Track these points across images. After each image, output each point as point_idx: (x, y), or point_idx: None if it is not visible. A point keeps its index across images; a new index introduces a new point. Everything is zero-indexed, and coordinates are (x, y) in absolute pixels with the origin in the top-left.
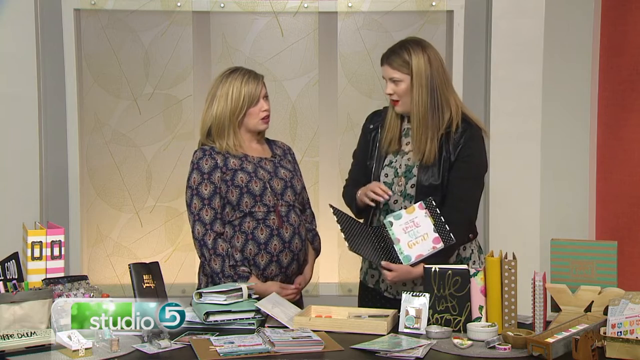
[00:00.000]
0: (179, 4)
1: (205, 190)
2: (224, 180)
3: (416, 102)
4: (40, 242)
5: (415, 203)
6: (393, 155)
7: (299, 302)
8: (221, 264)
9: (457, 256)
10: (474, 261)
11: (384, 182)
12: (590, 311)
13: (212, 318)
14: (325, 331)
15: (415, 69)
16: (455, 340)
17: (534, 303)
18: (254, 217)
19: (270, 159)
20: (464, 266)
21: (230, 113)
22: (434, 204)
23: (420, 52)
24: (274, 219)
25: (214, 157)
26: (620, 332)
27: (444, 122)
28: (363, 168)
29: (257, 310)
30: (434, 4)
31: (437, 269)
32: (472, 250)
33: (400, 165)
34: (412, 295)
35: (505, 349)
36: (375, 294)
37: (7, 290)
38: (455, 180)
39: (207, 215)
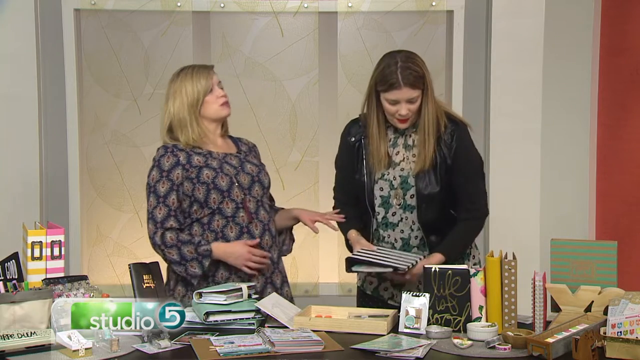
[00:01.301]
0: (179, 4)
1: (162, 187)
2: (189, 178)
3: (427, 114)
4: (40, 242)
5: (414, 212)
6: (384, 168)
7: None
8: (177, 252)
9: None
10: (474, 255)
11: (380, 196)
12: (590, 311)
13: (212, 318)
14: (325, 331)
15: (428, 82)
16: (455, 340)
17: (534, 303)
18: (222, 214)
19: (235, 155)
20: (464, 266)
21: (188, 106)
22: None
23: (424, 64)
24: (243, 215)
25: (176, 154)
26: (620, 332)
27: (439, 126)
28: (350, 178)
29: (257, 310)
30: (434, 3)
31: (437, 269)
32: (471, 246)
33: (395, 177)
34: (412, 295)
35: (505, 349)
36: (373, 299)
37: (7, 290)
38: (463, 183)
39: (159, 214)
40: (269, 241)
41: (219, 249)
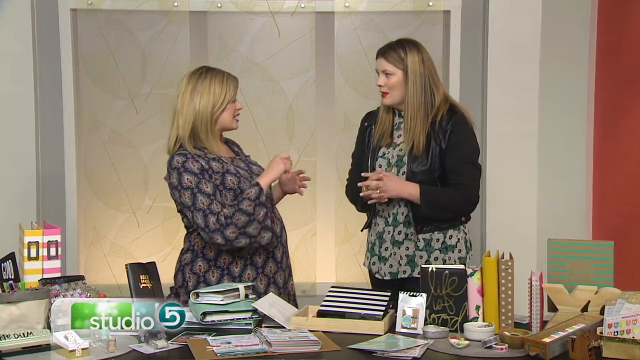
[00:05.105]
0: (176, 4)
1: (206, 187)
2: (215, 185)
3: (411, 97)
4: (37, 242)
5: None
6: (386, 147)
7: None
8: (240, 212)
9: (442, 243)
10: (460, 249)
11: None
12: (587, 311)
13: (209, 318)
14: (323, 331)
15: (410, 66)
16: (452, 340)
17: (531, 303)
18: None
19: (237, 158)
20: (461, 266)
21: (212, 106)
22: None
23: (416, 52)
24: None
25: (197, 160)
26: (617, 331)
27: (432, 115)
28: (360, 163)
29: (254, 310)
30: (430, 4)
31: (434, 269)
32: (459, 239)
33: (393, 155)
34: (409, 295)
35: (502, 349)
36: (370, 276)
37: (3, 291)
38: (453, 167)
39: (217, 207)
40: (285, 237)
41: (263, 179)
